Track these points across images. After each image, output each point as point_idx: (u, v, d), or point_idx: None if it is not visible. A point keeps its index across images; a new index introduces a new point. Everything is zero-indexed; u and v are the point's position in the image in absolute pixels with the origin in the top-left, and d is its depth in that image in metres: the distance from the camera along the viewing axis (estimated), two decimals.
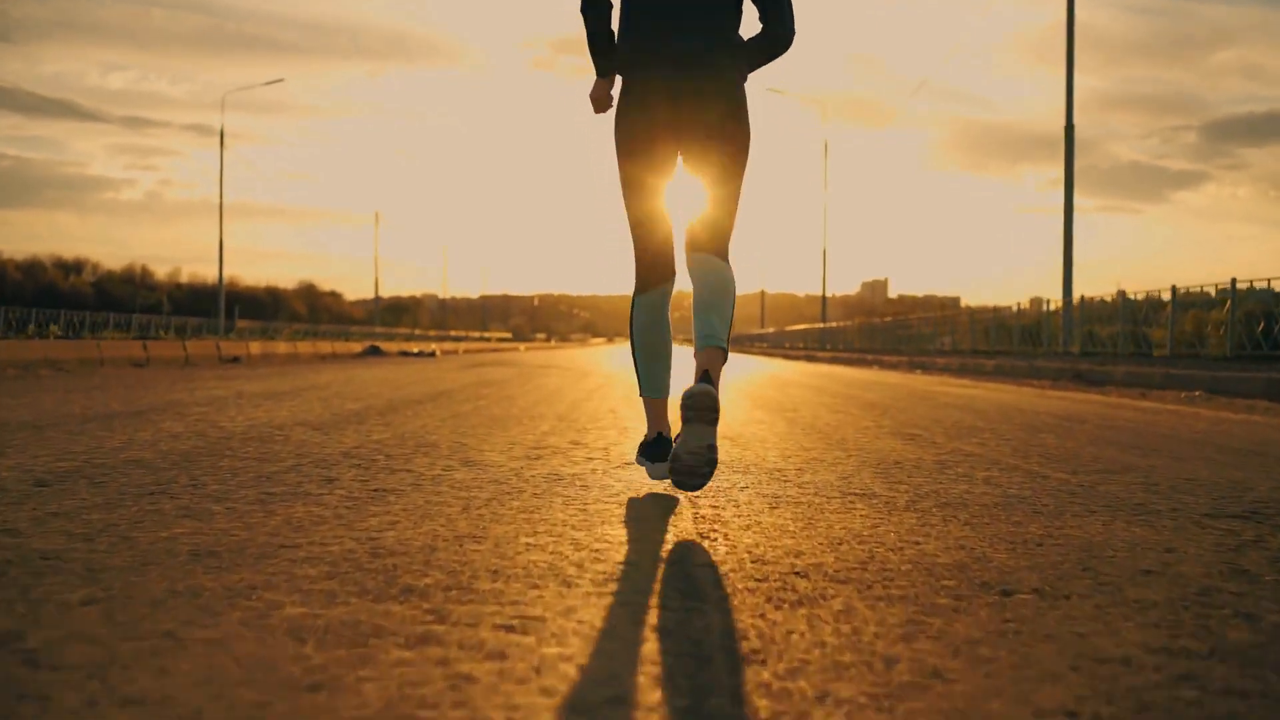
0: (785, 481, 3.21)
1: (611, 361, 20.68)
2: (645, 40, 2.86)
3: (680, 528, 2.41)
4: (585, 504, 2.71)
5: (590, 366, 16.92)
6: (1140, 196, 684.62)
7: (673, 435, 3.00)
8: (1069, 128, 20.44)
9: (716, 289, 2.86)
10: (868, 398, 8.43)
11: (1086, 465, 3.77)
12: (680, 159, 2.93)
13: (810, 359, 29.23)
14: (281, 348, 21.38)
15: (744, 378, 13.03)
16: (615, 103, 2.98)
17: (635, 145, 2.89)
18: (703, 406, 2.60)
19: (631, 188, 2.95)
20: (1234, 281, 14.08)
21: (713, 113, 2.83)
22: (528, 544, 2.15)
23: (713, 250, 2.93)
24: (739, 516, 2.57)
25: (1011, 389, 11.03)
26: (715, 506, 2.72)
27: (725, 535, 2.32)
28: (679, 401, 2.65)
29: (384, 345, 30.11)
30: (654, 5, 2.86)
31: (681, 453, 2.63)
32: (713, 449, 2.63)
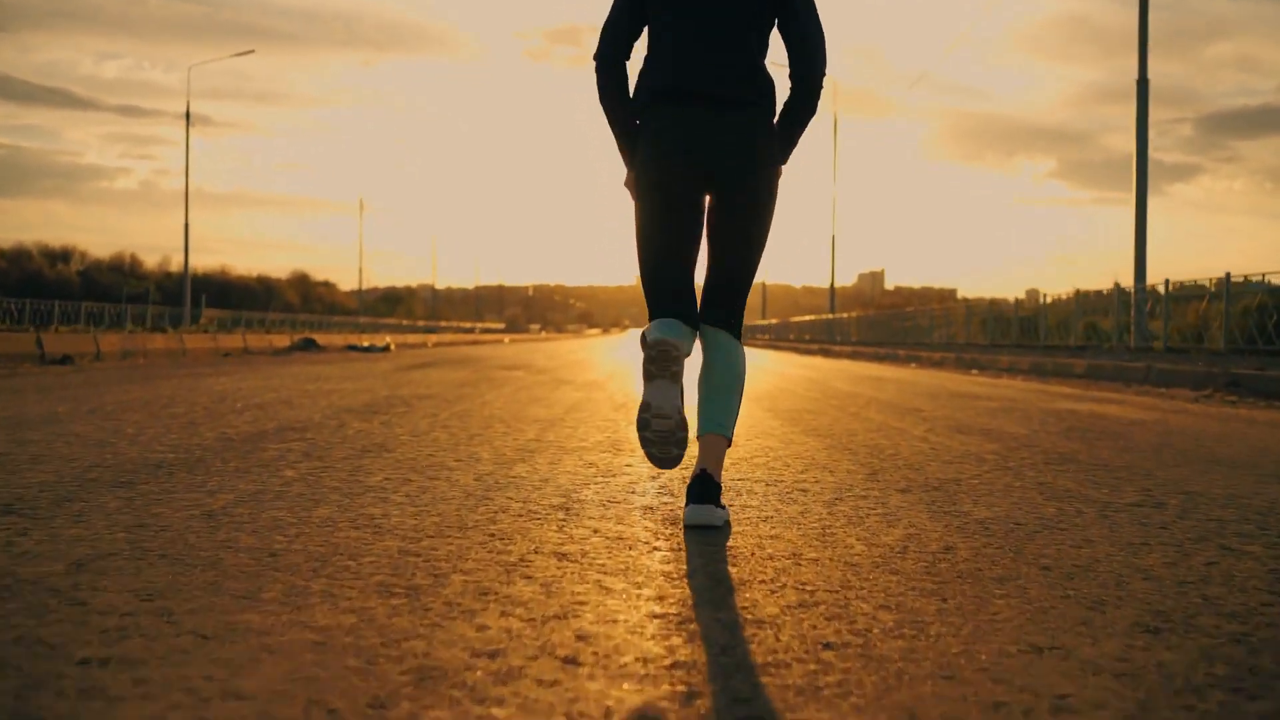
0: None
1: (606, 361, 17.49)
2: (673, 72, 2.68)
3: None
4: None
5: (573, 370, 13.31)
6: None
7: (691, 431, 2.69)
8: (1142, 81, 17.50)
9: (727, 373, 2.75)
10: (999, 427, 5.71)
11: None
12: (708, 203, 2.79)
13: (826, 353, 27.61)
14: (158, 342, 17.05)
15: (776, 388, 9.62)
16: (640, 135, 2.78)
17: (662, 180, 2.70)
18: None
19: (649, 224, 2.75)
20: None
21: (747, 157, 2.68)
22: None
23: (726, 324, 2.80)
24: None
25: (1157, 404, 8.08)
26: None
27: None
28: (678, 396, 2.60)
29: (339, 338, 26.18)
30: (681, 36, 2.69)
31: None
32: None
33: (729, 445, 2.69)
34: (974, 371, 15.23)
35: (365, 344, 24.85)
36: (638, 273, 2.82)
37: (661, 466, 2.63)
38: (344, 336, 28.09)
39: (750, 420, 5.56)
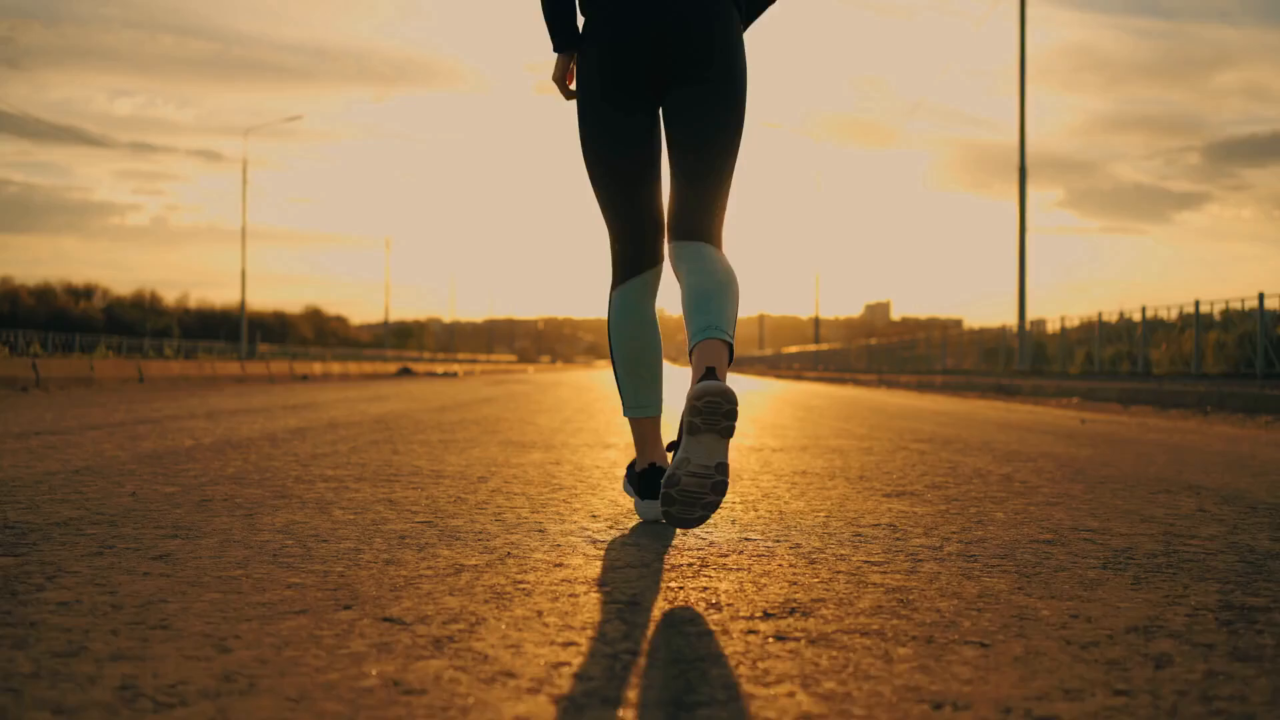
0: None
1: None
2: None
3: None
4: (608, 443, 3.79)
5: (597, 387, 17.91)
6: (1143, 217, 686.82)
7: (669, 459, 2.38)
8: (1022, 170, 20.30)
9: (713, 275, 2.28)
10: (813, 404, 9.38)
11: (1000, 448, 4.78)
12: (662, 115, 2.44)
13: (856, 383, 28.91)
14: (335, 368, 25.59)
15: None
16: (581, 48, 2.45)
17: (604, 97, 2.39)
18: (715, 411, 2.01)
19: (600, 156, 2.44)
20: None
21: (705, 49, 2.34)
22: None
23: (703, 237, 2.37)
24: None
25: (944, 398, 10.80)
26: None
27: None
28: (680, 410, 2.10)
29: (412, 366, 34.17)
30: None
31: (681, 473, 2.03)
32: (723, 469, 2.04)
33: (730, 356, 2.17)
34: (973, 394, 17.11)
35: (441, 371, 34.06)
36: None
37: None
38: (422, 366, 37.73)
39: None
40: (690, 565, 2.01)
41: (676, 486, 2.04)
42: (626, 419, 2.54)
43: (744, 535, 2.37)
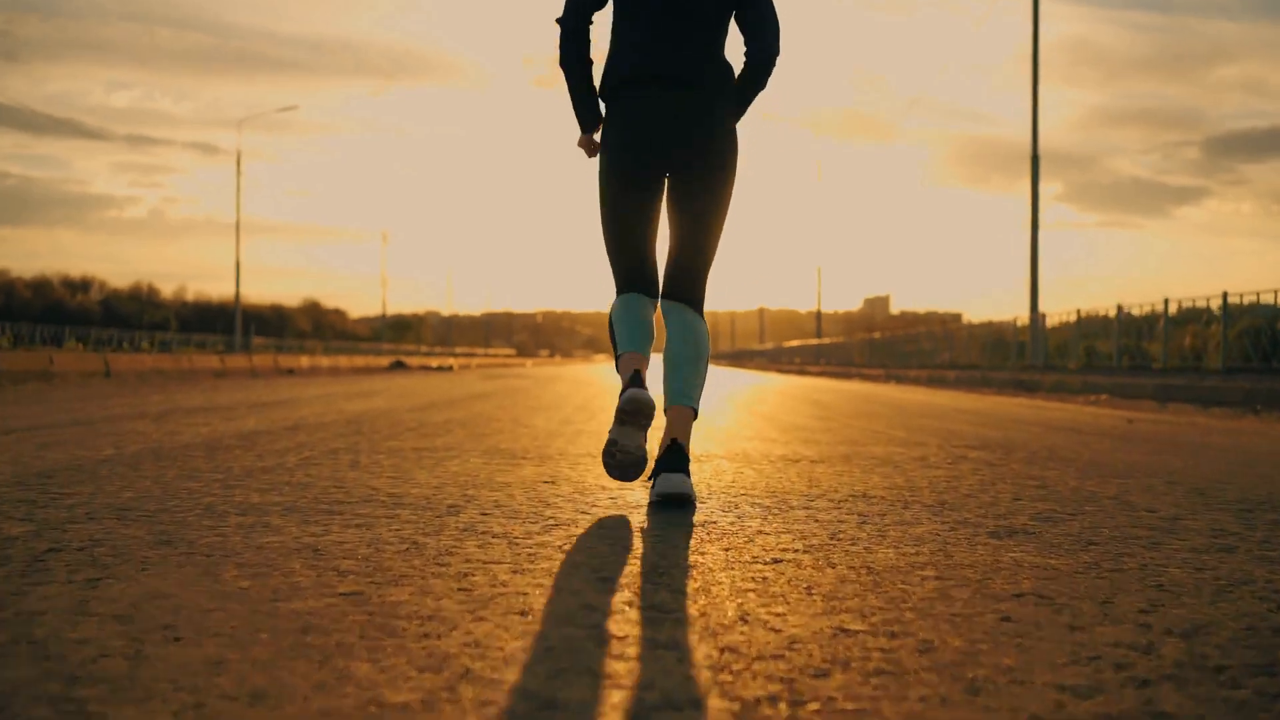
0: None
1: (617, 377, 20.70)
2: (635, 58, 2.81)
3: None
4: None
5: (594, 380, 17.01)
6: (1142, 212, 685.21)
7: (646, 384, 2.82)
8: (1034, 159, 19.76)
9: (690, 345, 2.86)
10: (821, 399, 8.67)
11: (1039, 451, 4.02)
12: (667, 184, 2.90)
13: (840, 376, 29.33)
14: (324, 362, 24.25)
15: (738, 388, 12.93)
16: (603, 124, 2.93)
17: (622, 164, 2.84)
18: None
19: (612, 205, 2.89)
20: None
21: (704, 135, 2.81)
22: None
23: (688, 300, 2.93)
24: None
25: (960, 394, 10.82)
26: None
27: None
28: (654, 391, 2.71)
29: (406, 360, 33.05)
30: (642, 24, 2.81)
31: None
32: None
33: (695, 417, 2.79)
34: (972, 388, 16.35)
35: (435, 365, 32.87)
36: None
37: (622, 481, 2.85)
38: (416, 360, 36.40)
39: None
40: (769, 697, 1.20)
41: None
42: (616, 363, 2.89)
43: (840, 626, 1.52)
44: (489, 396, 9.63)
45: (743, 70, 2.93)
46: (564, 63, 2.91)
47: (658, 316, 3.00)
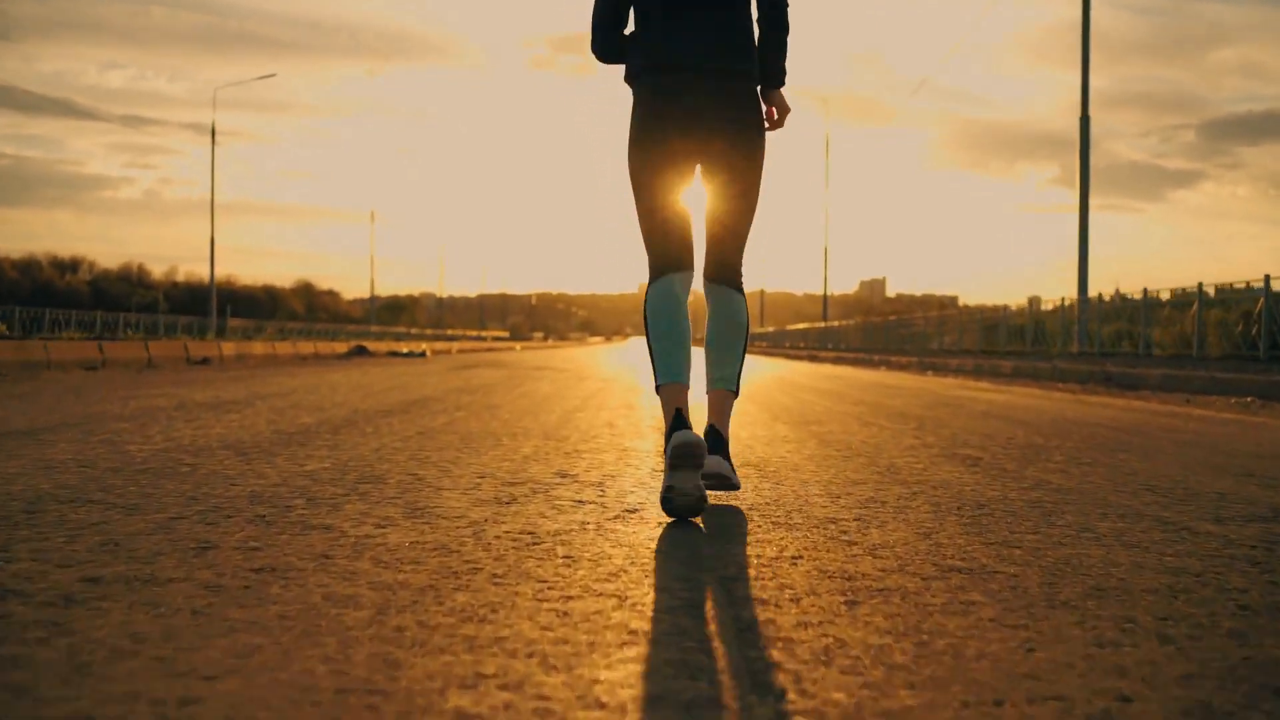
0: (850, 545, 2.31)
1: (611, 365, 18.61)
2: (663, 41, 2.82)
3: (718, 662, 1.48)
4: (566, 597, 1.79)
5: (587, 370, 15.11)
6: (1139, 195, 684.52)
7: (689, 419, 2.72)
8: (1084, 119, 17.99)
9: (730, 327, 2.93)
10: (893, 405, 7.63)
11: (1209, 500, 3.02)
12: (699, 167, 2.90)
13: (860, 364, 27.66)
14: (258, 348, 20.46)
15: (754, 386, 10.31)
16: (633, 104, 2.92)
17: (652, 145, 2.83)
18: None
19: (645, 186, 2.87)
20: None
21: (735, 117, 2.83)
22: (457, 710, 1.22)
23: (728, 279, 2.96)
24: (805, 627, 1.65)
25: (1038, 394, 10.26)
26: (765, 602, 1.82)
27: (796, 681, 1.39)
28: (700, 394, 2.74)
29: (373, 345, 28.93)
30: (671, 8, 2.82)
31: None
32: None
33: (735, 399, 2.91)
34: (929, 373, 14.82)
35: (405, 350, 28.47)
36: (640, 281, 2.79)
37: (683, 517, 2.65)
38: (385, 345, 31.62)
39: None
40: None
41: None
42: (657, 392, 2.80)
43: None
44: (442, 401, 7.07)
45: (761, 26, 2.94)
46: (596, 51, 2.99)
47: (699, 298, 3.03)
